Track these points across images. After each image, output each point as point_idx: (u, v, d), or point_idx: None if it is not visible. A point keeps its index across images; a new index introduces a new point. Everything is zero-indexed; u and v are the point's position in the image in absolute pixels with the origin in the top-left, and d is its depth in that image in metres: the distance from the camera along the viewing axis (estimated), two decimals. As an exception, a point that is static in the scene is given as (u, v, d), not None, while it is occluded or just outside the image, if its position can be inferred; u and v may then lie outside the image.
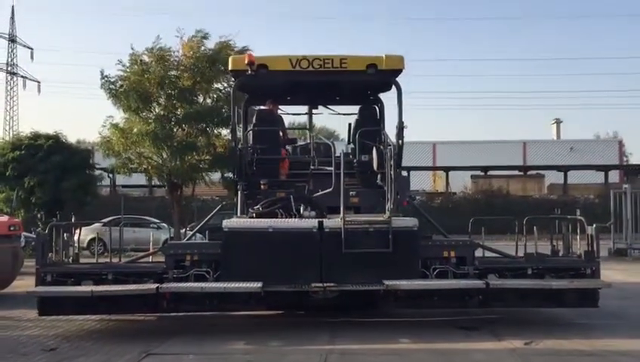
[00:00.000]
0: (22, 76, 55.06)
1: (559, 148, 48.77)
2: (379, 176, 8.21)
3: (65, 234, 8.17)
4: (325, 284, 7.13)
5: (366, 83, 8.64)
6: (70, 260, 8.19)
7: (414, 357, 6.13)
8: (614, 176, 41.59)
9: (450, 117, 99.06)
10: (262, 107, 9.33)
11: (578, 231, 8.14)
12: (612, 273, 12.20)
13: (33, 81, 55.12)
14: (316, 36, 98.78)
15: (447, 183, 37.85)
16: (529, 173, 40.63)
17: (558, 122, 56.55)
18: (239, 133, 8.91)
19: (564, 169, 37.46)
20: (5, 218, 11.51)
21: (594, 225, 7.90)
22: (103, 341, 6.97)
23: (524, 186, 38.17)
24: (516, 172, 40.21)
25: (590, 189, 35.39)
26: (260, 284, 6.93)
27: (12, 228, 10.73)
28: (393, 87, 8.36)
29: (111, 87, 18.61)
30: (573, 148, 48.29)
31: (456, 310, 7.95)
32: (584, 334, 7.08)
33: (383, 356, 6.18)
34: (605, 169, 37.69)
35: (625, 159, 56.19)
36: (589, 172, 39.38)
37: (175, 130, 19.18)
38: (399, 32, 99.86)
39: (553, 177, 39.48)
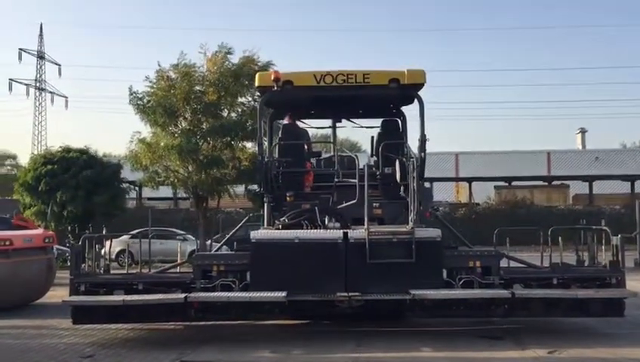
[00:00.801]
0: (50, 92, 56.57)
1: (584, 158, 48.24)
2: (402, 187, 8.37)
3: (97, 246, 8.49)
4: (350, 294, 7.30)
5: (389, 97, 8.84)
6: (102, 271, 8.51)
7: (438, 364, 6.28)
8: (640, 186, 40.96)
9: (474, 127, 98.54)
10: (286, 121, 9.58)
11: (603, 241, 8.20)
12: (638, 283, 12.13)
13: (61, 96, 56.59)
14: (337, 49, 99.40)
15: (470, 194, 37.68)
16: (553, 183, 40.21)
17: (583, 131, 55.92)
18: (265, 147, 9.16)
19: (590, 179, 37.03)
20: (40, 231, 11.95)
21: (619, 236, 7.97)
22: (137, 348, 7.24)
23: (548, 197, 37.77)
24: (540, 182, 39.83)
25: (616, 199, 34.89)
26: (284, 294, 7.12)
27: (47, 241, 11.15)
28: (415, 100, 8.56)
29: (139, 102, 19.14)
30: (598, 158, 47.74)
31: (480, 319, 8.07)
32: (608, 343, 7.14)
33: (407, 363, 6.32)
34: (631, 179, 37.14)
35: (653, 168, 55.39)
36: (614, 182, 38.86)
37: (201, 143, 19.57)
38: (424, 43, 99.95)
39: (578, 187, 39.04)
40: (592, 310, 7.67)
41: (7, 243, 10.02)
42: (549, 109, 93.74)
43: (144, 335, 8.11)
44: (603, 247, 8.20)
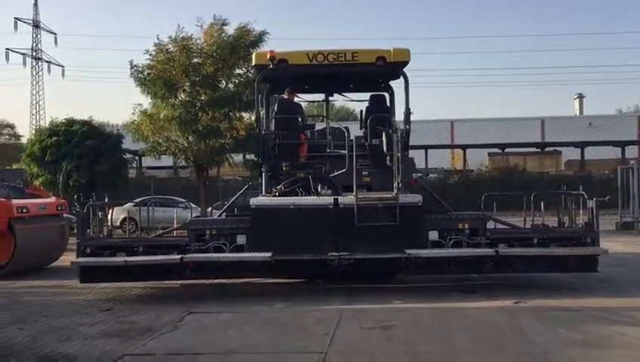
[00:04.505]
0: (46, 61, 56.65)
1: (578, 125, 48.74)
2: (388, 157, 9.10)
3: (100, 213, 9.24)
4: (340, 254, 8.12)
5: (376, 73, 9.51)
6: (105, 235, 9.27)
7: (416, 312, 7.14)
8: (634, 152, 41.66)
9: (473, 95, 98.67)
10: (283, 96, 10.24)
11: (581, 204, 8.96)
12: (615, 244, 12.98)
13: (57, 65, 56.72)
14: (326, 15, 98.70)
15: (465, 161, 38.40)
16: (546, 149, 40.92)
17: (580, 97, 56.27)
18: (263, 120, 9.84)
19: (581, 145, 37.74)
20: (53, 199, 12.72)
21: (594, 199, 8.71)
22: (150, 303, 8.10)
23: (540, 163, 38.50)
24: (533, 149, 40.52)
25: (607, 165, 35.59)
26: (269, 254, 7.93)
27: (59, 208, 11.94)
28: (401, 76, 9.23)
29: (139, 75, 19.69)
30: (591, 124, 48.26)
31: (462, 276, 8.92)
32: (570, 295, 8.00)
33: (390, 312, 7.16)
34: (622, 145, 37.87)
35: (647, 134, 55.89)
36: (607, 148, 39.50)
37: (200, 115, 20.17)
38: (421, 8, 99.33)
39: (571, 154, 39.72)
40: (568, 266, 8.53)
41: (25, 210, 10.80)
42: (550, 75, 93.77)
43: (155, 292, 8.95)
44: (581, 210, 8.94)
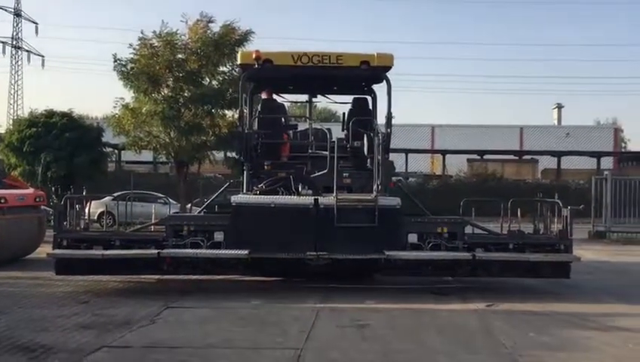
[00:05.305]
0: (26, 50, 55.82)
1: (556, 134, 49.57)
2: (369, 160, 9.23)
3: (77, 206, 9.22)
4: (318, 253, 8.23)
5: (360, 77, 9.63)
6: (82, 228, 9.25)
7: (391, 313, 7.29)
8: (609, 162, 42.48)
9: (455, 100, 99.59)
10: (265, 96, 10.31)
11: (556, 212, 9.19)
12: (587, 252, 13.31)
13: (37, 55, 55.92)
14: (314, 14, 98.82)
15: (444, 166, 38.80)
16: (524, 157, 41.56)
17: (559, 107, 57.14)
18: (246, 119, 9.91)
19: (558, 154, 38.42)
20: (31, 190, 12.63)
21: (568, 208, 8.94)
22: (127, 296, 8.12)
23: (518, 170, 39.08)
24: (511, 156, 41.12)
25: (582, 174, 36.22)
26: (246, 251, 8.01)
27: (37, 200, 11.88)
28: (384, 80, 9.37)
29: (122, 69, 19.58)
30: (569, 134, 49.11)
31: (436, 279, 9.09)
32: (541, 300, 8.21)
33: (365, 312, 7.31)
34: (598, 155, 38.64)
35: (623, 145, 57.10)
36: (583, 158, 40.24)
37: (182, 110, 20.11)
38: (401, 13, 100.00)
39: (548, 162, 40.39)
40: (542, 272, 8.73)
41: (2, 201, 10.72)
42: (529, 84, 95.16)
43: (132, 286, 8.97)
44: (556, 218, 9.14)
